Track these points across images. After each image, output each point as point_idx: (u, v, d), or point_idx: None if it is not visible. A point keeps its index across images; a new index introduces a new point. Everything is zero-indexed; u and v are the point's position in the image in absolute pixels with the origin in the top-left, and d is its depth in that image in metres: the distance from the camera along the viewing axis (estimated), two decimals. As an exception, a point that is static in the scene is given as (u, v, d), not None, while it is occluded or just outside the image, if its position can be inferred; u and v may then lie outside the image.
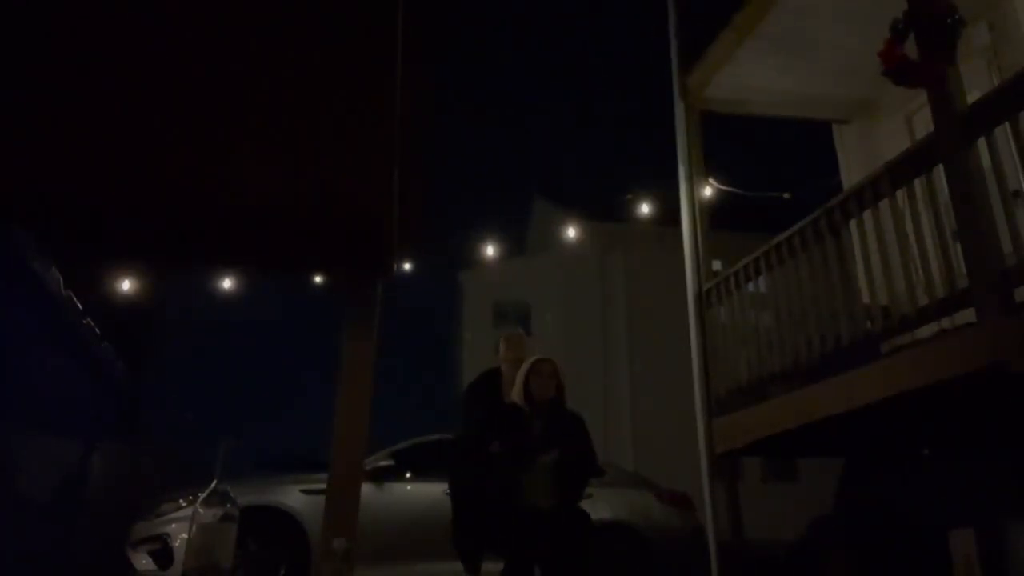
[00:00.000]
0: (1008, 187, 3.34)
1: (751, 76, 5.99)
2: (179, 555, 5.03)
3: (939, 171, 3.66)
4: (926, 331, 3.98)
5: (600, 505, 6.08)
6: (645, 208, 7.79)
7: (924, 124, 5.25)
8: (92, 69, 2.21)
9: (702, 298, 5.63)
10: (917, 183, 3.81)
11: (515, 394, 3.86)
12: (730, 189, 6.96)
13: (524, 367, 3.87)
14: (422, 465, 5.89)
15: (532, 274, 15.34)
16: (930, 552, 4.11)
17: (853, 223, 4.23)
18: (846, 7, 5.23)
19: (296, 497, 5.36)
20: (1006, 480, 3.95)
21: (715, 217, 6.09)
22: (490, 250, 8.71)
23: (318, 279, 7.21)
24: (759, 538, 5.58)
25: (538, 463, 3.63)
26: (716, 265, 5.87)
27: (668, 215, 6.87)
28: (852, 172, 6.48)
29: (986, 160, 3.39)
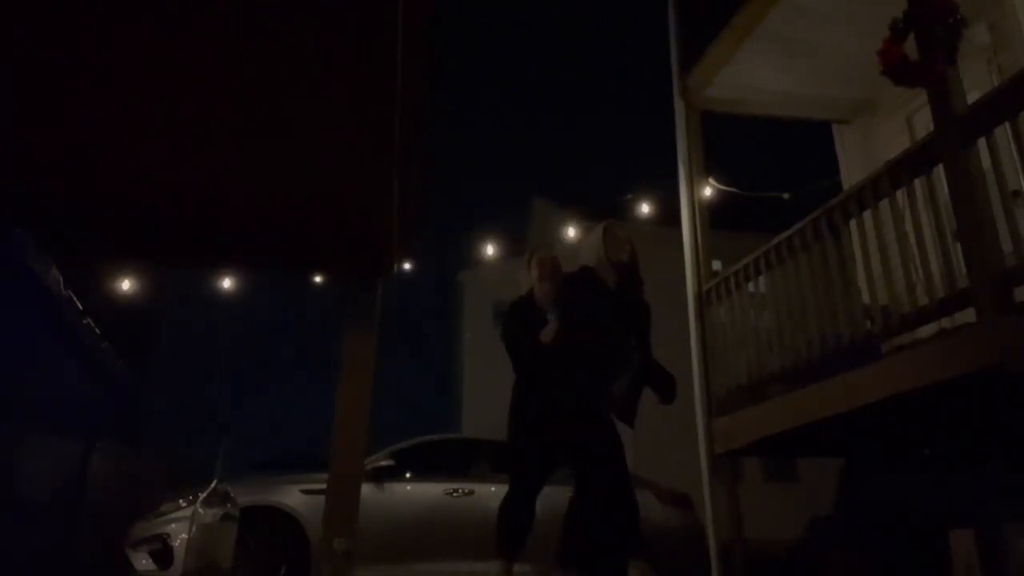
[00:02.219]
0: (1008, 187, 3.35)
1: (751, 76, 5.99)
2: (179, 555, 5.03)
3: (939, 171, 3.66)
4: (926, 331, 3.98)
5: (600, 505, 6.08)
6: (645, 208, 7.80)
7: (924, 124, 5.24)
8: (93, 68, 2.21)
9: (702, 298, 5.63)
10: (917, 183, 3.81)
11: (590, 256, 3.91)
12: (730, 189, 6.97)
13: (598, 229, 3.95)
14: (422, 465, 5.89)
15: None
16: (930, 552, 4.11)
17: (853, 223, 4.23)
18: (846, 7, 5.22)
19: (296, 497, 5.36)
20: (1006, 480, 3.95)
21: (715, 217, 6.09)
22: (490, 250, 8.71)
23: (318, 279, 7.21)
24: (759, 538, 5.58)
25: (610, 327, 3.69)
26: (716, 265, 5.87)
27: (668, 215, 6.87)
28: (852, 172, 6.47)
29: (986, 160, 3.39)
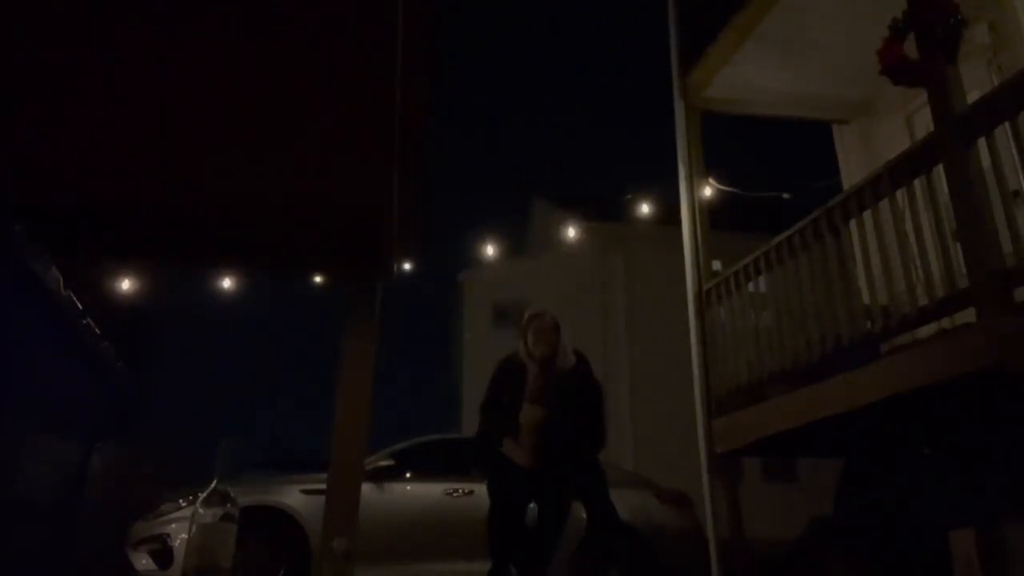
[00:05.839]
0: (1008, 187, 3.34)
1: (751, 76, 5.99)
2: (179, 555, 5.03)
3: (939, 171, 3.66)
4: (926, 331, 3.98)
5: (600, 505, 6.08)
6: (645, 208, 7.78)
7: (924, 124, 5.24)
8: (92, 68, 2.21)
9: (702, 298, 5.63)
10: (917, 183, 3.81)
11: (520, 350, 3.79)
12: (730, 189, 6.97)
13: (524, 318, 3.80)
14: (422, 465, 5.90)
15: (532, 274, 15.34)
16: (930, 552, 4.11)
17: (853, 223, 4.23)
18: (846, 7, 5.23)
19: (296, 497, 5.36)
20: (1006, 480, 3.95)
21: (715, 217, 6.09)
22: (490, 250, 8.69)
23: (318, 279, 7.20)
24: (759, 538, 5.58)
25: (522, 418, 3.59)
26: (716, 265, 5.87)
27: (668, 215, 6.87)
28: (852, 172, 6.48)
29: (986, 160, 3.39)
